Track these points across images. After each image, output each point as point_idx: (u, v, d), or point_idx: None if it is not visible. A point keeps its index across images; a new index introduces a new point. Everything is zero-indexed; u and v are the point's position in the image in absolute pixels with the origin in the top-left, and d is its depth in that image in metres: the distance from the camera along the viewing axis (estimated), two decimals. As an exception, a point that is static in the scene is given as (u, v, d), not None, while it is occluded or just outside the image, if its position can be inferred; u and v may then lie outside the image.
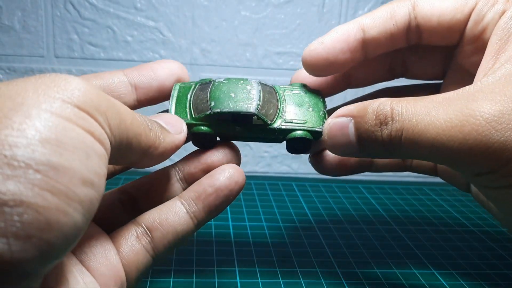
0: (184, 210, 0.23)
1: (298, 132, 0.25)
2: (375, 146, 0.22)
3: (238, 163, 0.26)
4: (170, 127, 0.23)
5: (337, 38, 0.26)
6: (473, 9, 0.24)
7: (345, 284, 0.31)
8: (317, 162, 0.29)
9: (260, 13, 0.52)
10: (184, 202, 0.24)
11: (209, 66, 0.53)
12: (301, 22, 0.53)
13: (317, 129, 0.25)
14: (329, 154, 0.28)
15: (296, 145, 0.26)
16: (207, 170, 0.25)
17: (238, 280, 0.31)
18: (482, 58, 0.23)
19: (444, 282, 0.32)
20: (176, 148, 0.23)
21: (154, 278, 0.31)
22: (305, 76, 0.28)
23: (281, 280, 0.31)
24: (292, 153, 0.26)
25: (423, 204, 0.48)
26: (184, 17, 0.51)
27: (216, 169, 0.25)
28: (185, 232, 0.23)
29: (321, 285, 0.31)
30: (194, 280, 0.31)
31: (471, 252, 0.37)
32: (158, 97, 0.26)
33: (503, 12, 0.23)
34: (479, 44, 0.24)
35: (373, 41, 0.26)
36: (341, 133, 0.22)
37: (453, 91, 0.21)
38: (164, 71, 0.26)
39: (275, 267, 0.33)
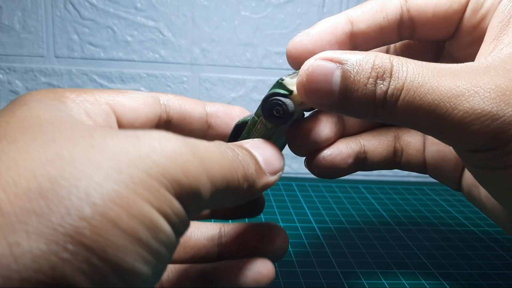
0: None
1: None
2: (363, 104, 0.19)
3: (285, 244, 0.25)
4: (267, 166, 0.22)
5: (324, 30, 0.24)
6: None
7: (345, 284, 0.31)
8: (311, 163, 0.27)
9: (260, 13, 0.52)
10: None
11: (209, 66, 0.53)
12: (301, 22, 0.53)
13: (283, 79, 0.23)
14: (324, 156, 0.27)
15: (271, 107, 0.23)
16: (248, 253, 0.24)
17: (238, 280, 0.31)
18: (478, 49, 0.23)
19: (444, 282, 0.32)
20: (265, 189, 0.22)
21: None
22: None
23: (281, 280, 0.31)
24: (274, 123, 0.24)
25: (424, 204, 0.48)
26: (184, 17, 0.51)
27: (247, 264, 0.24)
28: None
29: (321, 285, 0.31)
30: (194, 280, 0.31)
31: (471, 252, 0.37)
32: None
33: None
34: (477, 34, 0.24)
35: (361, 35, 0.25)
36: (323, 79, 0.20)
37: (456, 64, 0.19)
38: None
39: (275, 267, 0.33)
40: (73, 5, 0.50)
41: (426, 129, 0.19)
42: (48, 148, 0.15)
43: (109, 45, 0.51)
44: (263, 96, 0.24)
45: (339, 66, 0.20)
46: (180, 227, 0.16)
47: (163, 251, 0.15)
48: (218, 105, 0.25)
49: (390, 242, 0.38)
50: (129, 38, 0.51)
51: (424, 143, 0.28)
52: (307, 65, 0.21)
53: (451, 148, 0.26)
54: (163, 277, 0.23)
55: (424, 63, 0.19)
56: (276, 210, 0.43)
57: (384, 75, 0.19)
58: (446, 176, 0.28)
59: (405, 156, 0.28)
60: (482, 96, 0.18)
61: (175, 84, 0.53)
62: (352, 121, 0.28)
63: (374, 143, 0.28)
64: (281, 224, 0.40)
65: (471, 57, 0.23)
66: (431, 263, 0.35)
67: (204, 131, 0.25)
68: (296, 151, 0.27)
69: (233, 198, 0.20)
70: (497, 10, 0.22)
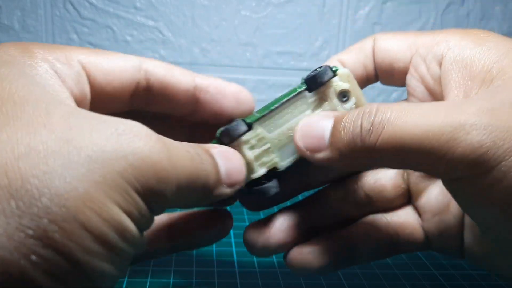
0: None
1: None
2: (349, 137, 0.20)
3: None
4: (227, 178, 0.21)
5: None
6: (414, 53, 0.25)
7: (345, 284, 0.31)
8: (288, 259, 0.26)
9: (260, 12, 0.52)
10: None
11: (209, 66, 0.53)
12: (302, 21, 0.53)
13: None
14: (308, 250, 0.25)
15: None
16: None
17: (238, 280, 0.31)
18: (432, 99, 0.24)
19: (445, 283, 0.32)
20: (219, 199, 0.21)
21: (153, 279, 0.31)
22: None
23: (281, 281, 0.31)
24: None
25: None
26: (184, 17, 0.51)
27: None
28: None
29: (321, 285, 0.31)
30: (194, 280, 0.31)
31: (472, 252, 0.37)
32: (211, 122, 0.25)
33: (443, 53, 0.23)
34: (427, 85, 0.25)
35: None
36: (316, 126, 0.21)
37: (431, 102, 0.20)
38: (231, 102, 0.24)
39: (275, 268, 0.33)
40: (72, 5, 0.50)
41: (412, 154, 0.19)
42: (22, 137, 0.14)
43: (109, 44, 0.51)
44: (263, 96, 0.24)
45: (332, 118, 0.21)
46: (144, 227, 0.16)
47: (129, 250, 0.16)
48: (211, 79, 0.24)
49: (390, 242, 0.38)
50: (128, 38, 0.51)
51: (421, 217, 0.26)
52: (303, 121, 0.22)
53: (452, 212, 0.25)
54: None
55: (408, 103, 0.21)
56: (276, 210, 0.43)
57: (370, 112, 0.19)
58: (448, 243, 0.26)
59: (403, 238, 0.26)
60: (471, 113, 0.18)
61: (175, 84, 0.53)
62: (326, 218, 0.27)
63: (359, 234, 0.26)
64: (281, 224, 0.40)
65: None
66: (432, 263, 0.35)
67: (191, 105, 0.24)
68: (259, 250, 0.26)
69: (190, 203, 0.21)
70: (448, 64, 0.23)
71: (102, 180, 0.14)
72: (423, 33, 0.26)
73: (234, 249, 0.35)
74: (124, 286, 0.29)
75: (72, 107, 0.17)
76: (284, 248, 0.26)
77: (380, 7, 0.54)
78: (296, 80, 0.55)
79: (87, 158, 0.14)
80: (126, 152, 0.15)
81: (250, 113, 0.25)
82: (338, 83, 0.23)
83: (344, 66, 0.26)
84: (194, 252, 0.34)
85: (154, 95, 0.23)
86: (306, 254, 0.25)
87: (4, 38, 0.50)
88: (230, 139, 0.22)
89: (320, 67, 0.23)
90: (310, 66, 0.54)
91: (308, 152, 0.22)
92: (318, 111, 0.23)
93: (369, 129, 0.19)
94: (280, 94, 0.25)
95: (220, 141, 0.22)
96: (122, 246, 0.15)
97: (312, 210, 0.26)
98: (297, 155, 0.23)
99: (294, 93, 0.23)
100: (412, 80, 0.25)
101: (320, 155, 0.21)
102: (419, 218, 0.26)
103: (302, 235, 0.26)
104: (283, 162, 0.23)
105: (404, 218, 0.26)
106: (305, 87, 0.23)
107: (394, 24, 0.55)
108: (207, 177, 0.19)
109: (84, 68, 0.20)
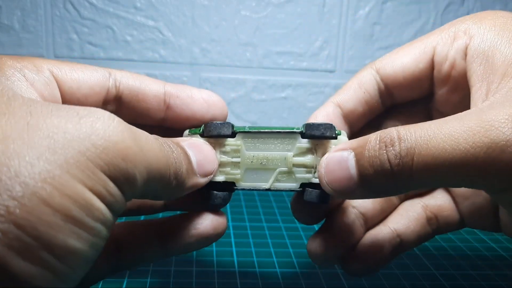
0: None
1: None
2: (380, 175, 0.19)
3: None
4: (199, 168, 0.22)
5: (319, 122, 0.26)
6: (433, 54, 0.24)
7: (345, 284, 0.31)
8: (348, 264, 0.26)
9: (260, 12, 0.52)
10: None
11: (209, 66, 0.53)
12: (302, 21, 0.53)
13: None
14: (359, 254, 0.26)
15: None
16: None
17: (238, 281, 0.31)
18: (459, 95, 0.23)
19: (445, 283, 0.32)
20: (193, 189, 0.22)
21: (153, 279, 0.31)
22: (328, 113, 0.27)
23: (281, 281, 0.31)
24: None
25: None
26: (184, 17, 0.51)
27: (202, 214, 0.23)
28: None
29: (321, 285, 0.31)
30: (194, 280, 0.31)
31: (471, 252, 0.37)
32: (184, 127, 0.25)
33: (466, 44, 0.23)
34: (452, 83, 0.24)
35: (352, 114, 0.27)
36: (339, 167, 0.21)
37: (458, 113, 0.19)
38: (202, 104, 0.25)
39: (275, 268, 0.33)
40: (72, 5, 0.50)
41: (451, 179, 0.19)
42: None
43: (109, 44, 0.51)
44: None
45: (351, 151, 0.20)
46: (116, 206, 0.16)
47: (98, 227, 0.15)
48: (180, 86, 0.25)
49: (390, 242, 0.38)
50: (128, 38, 0.51)
51: (454, 200, 0.27)
52: (322, 161, 0.22)
53: (483, 194, 0.26)
54: (120, 235, 0.23)
55: (431, 122, 0.19)
56: (276, 211, 0.43)
57: (392, 141, 0.19)
58: (484, 220, 0.27)
59: (441, 220, 0.27)
60: (501, 128, 0.17)
61: (175, 84, 0.53)
62: (371, 211, 0.27)
63: (404, 223, 0.27)
64: (281, 224, 0.40)
65: (457, 106, 0.23)
66: (432, 263, 0.35)
67: (161, 111, 0.25)
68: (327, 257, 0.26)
69: (163, 192, 0.20)
70: (470, 55, 0.22)
71: (63, 159, 0.14)
72: (430, 34, 0.25)
73: (234, 249, 0.35)
74: (124, 286, 0.30)
75: (34, 99, 0.17)
76: (344, 251, 0.26)
77: (380, 7, 0.54)
78: (296, 80, 0.55)
79: (48, 139, 0.15)
80: (88, 133, 0.15)
81: (223, 116, 0.26)
82: (331, 146, 0.23)
83: (343, 110, 0.26)
84: (194, 252, 0.34)
85: (125, 102, 0.24)
86: (368, 253, 0.26)
87: (4, 38, 0.50)
88: (210, 134, 0.23)
89: (326, 124, 0.23)
90: (310, 66, 0.54)
91: (342, 196, 0.22)
92: (299, 158, 0.23)
93: (398, 163, 0.19)
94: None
95: (201, 133, 0.23)
96: (90, 223, 0.15)
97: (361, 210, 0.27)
98: (259, 186, 0.24)
99: (289, 130, 0.24)
100: (438, 80, 0.25)
101: (354, 196, 0.21)
102: (453, 200, 0.27)
103: (359, 237, 0.27)
104: (243, 182, 0.24)
105: (440, 201, 0.27)
106: (301, 130, 0.23)
107: (394, 24, 0.55)
108: (179, 166, 0.20)
109: (53, 75, 0.21)
